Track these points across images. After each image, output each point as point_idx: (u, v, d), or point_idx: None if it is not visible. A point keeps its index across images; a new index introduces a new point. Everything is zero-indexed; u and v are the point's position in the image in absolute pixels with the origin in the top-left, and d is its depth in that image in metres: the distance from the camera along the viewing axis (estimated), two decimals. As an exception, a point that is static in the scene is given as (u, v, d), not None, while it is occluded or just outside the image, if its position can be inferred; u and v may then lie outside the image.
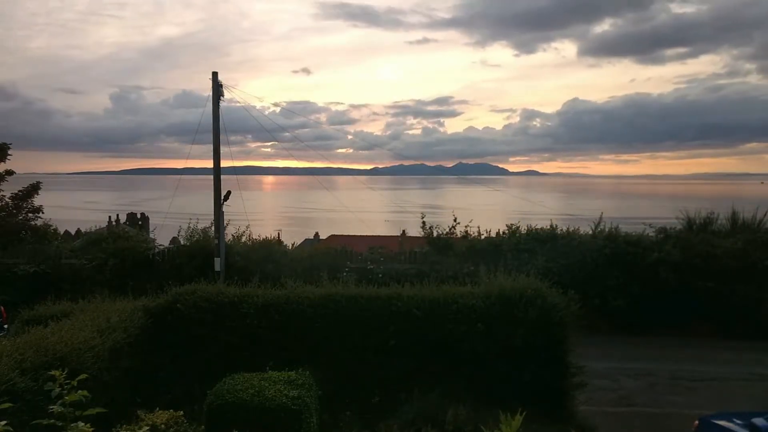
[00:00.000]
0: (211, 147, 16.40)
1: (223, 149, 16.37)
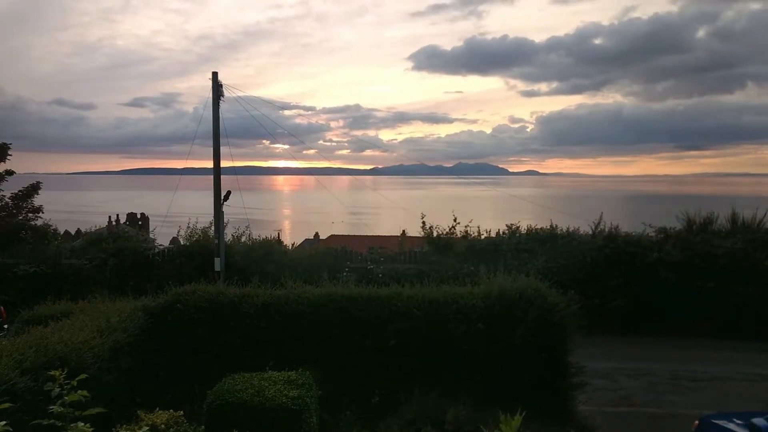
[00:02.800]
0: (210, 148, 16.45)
1: (223, 150, 16.40)
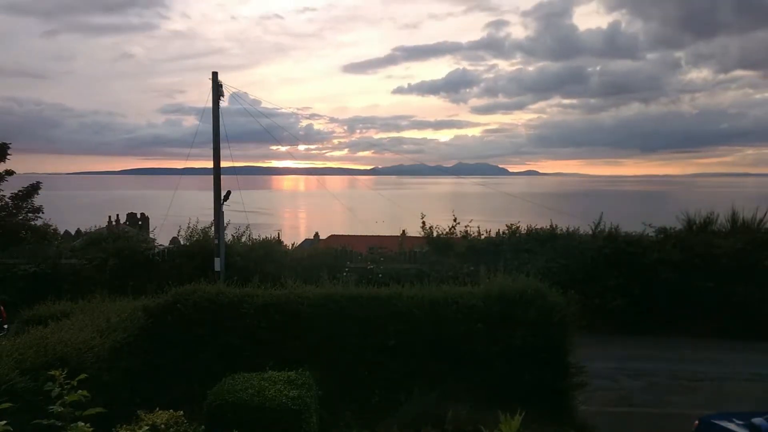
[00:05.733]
0: (210, 148, 16.44)
1: (223, 151, 16.40)
